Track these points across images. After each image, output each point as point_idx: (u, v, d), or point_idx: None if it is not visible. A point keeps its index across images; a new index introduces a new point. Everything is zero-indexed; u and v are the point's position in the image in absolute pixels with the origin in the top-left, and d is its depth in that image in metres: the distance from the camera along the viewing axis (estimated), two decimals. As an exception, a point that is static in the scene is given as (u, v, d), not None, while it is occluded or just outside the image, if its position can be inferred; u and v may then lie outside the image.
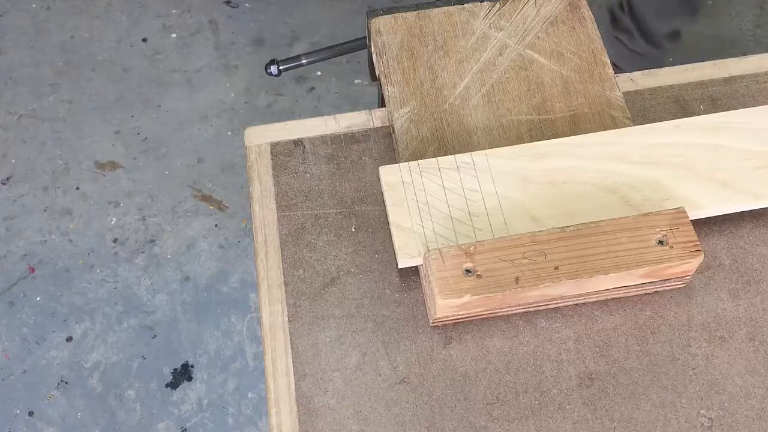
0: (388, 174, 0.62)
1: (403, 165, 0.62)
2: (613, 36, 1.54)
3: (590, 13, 0.73)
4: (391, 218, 0.59)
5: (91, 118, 1.81)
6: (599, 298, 0.60)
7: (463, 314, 0.58)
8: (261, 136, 0.69)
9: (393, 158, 0.67)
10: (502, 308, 0.58)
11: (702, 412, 0.56)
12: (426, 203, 0.60)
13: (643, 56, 1.53)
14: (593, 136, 0.64)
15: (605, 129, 0.66)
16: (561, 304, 0.60)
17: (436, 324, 0.59)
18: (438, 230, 0.59)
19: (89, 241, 1.64)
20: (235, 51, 1.92)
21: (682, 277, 0.59)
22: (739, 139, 0.63)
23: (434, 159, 0.62)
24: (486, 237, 0.58)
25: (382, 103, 0.73)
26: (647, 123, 0.65)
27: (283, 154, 0.68)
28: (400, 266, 0.58)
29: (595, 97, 0.68)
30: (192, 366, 1.50)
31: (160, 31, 1.95)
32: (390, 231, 0.59)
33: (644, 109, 0.71)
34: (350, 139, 0.69)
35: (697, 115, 0.69)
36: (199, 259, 1.62)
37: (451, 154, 0.63)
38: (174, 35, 1.95)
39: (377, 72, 0.71)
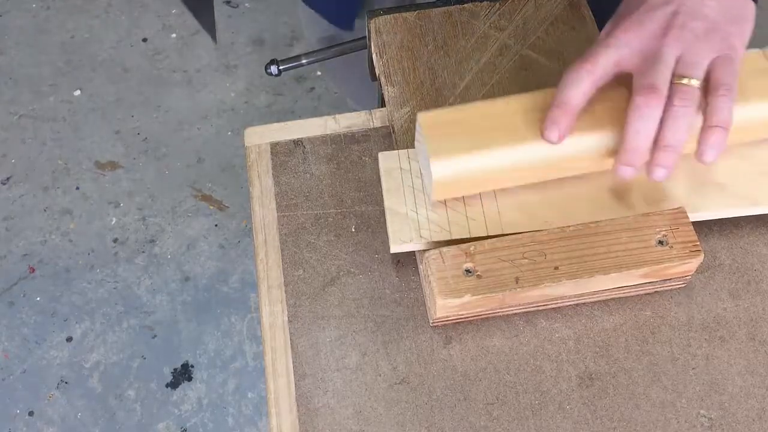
0: (387, 160, 0.62)
1: (402, 152, 0.62)
2: None
3: (590, 12, 0.72)
4: (387, 203, 0.59)
5: (91, 118, 1.81)
6: (599, 298, 0.60)
7: (463, 314, 0.58)
8: (261, 136, 0.69)
9: (393, 158, 0.67)
10: (502, 308, 0.58)
11: (702, 412, 0.56)
12: (421, 189, 0.60)
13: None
14: None
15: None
16: (561, 304, 0.60)
17: (436, 324, 0.59)
18: (432, 217, 0.59)
19: (89, 241, 1.64)
20: (235, 51, 1.92)
21: (682, 277, 0.59)
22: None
23: None
24: (479, 227, 0.58)
25: (382, 103, 0.73)
26: (647, 123, 0.65)
27: (283, 154, 0.68)
28: (392, 251, 0.58)
29: (595, 97, 0.68)
30: (192, 366, 1.50)
31: (160, 31, 1.95)
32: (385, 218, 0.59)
33: (644, 109, 0.71)
34: (350, 139, 0.69)
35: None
36: (199, 259, 1.62)
37: (451, 154, 0.63)
38: (174, 35, 1.95)
39: (377, 72, 0.71)
